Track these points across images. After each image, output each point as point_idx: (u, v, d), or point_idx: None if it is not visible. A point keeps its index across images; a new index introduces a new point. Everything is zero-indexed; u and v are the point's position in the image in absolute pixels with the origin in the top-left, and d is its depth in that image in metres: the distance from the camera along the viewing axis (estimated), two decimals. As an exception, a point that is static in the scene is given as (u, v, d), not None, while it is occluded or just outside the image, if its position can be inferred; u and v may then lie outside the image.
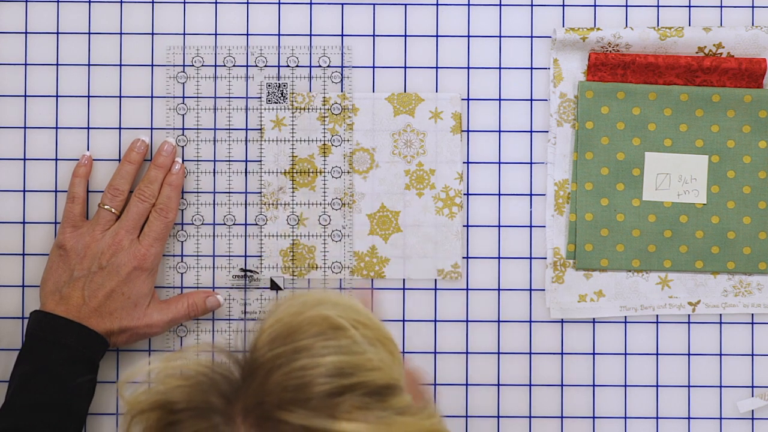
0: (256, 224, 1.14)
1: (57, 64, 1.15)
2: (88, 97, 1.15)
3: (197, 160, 1.14)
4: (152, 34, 1.15)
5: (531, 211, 1.15)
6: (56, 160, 1.14)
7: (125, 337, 1.09)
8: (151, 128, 1.15)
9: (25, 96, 1.15)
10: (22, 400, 1.04)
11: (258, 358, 0.76)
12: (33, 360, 1.05)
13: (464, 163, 1.15)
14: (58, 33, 1.15)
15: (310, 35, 1.15)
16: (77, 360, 1.05)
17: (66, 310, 1.07)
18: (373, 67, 1.15)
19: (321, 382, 0.74)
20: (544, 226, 1.15)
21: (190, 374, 0.76)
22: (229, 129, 1.15)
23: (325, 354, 0.75)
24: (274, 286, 1.14)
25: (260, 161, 1.14)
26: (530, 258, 1.15)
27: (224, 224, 1.14)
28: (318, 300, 0.79)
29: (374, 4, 1.15)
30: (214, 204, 1.15)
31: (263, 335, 0.77)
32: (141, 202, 1.10)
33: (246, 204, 1.14)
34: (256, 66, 1.15)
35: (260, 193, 1.14)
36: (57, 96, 1.15)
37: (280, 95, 1.14)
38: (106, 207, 1.10)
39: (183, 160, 1.14)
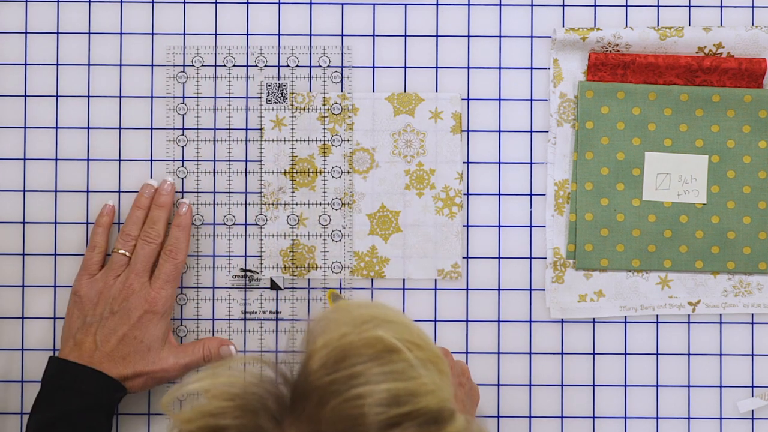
0: (256, 224, 1.14)
1: (57, 65, 1.15)
2: (88, 97, 1.15)
3: (197, 161, 1.14)
4: (152, 34, 1.15)
5: (531, 211, 1.15)
6: (56, 160, 1.14)
7: (141, 381, 1.08)
8: (151, 128, 1.15)
9: (25, 96, 1.15)
10: None
11: (312, 382, 0.74)
12: (51, 408, 1.05)
13: (464, 163, 1.15)
14: (58, 33, 1.15)
15: (310, 35, 1.15)
16: (95, 407, 1.05)
17: (79, 356, 1.06)
18: (373, 67, 1.15)
19: (377, 412, 0.72)
20: (544, 226, 1.15)
21: (237, 392, 0.75)
22: (229, 129, 1.15)
23: (381, 381, 0.73)
24: (274, 286, 1.14)
25: (260, 161, 1.14)
26: (530, 258, 1.15)
27: (224, 224, 1.14)
28: (370, 316, 0.76)
29: (374, 4, 1.15)
30: (214, 204, 1.14)
31: (316, 356, 0.75)
32: (147, 244, 1.10)
33: (246, 204, 1.14)
34: (256, 66, 1.15)
35: (260, 193, 1.14)
36: (57, 96, 1.15)
37: (280, 95, 1.14)
38: (120, 252, 1.10)
39: (183, 161, 1.14)
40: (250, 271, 1.14)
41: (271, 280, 1.14)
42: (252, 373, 0.76)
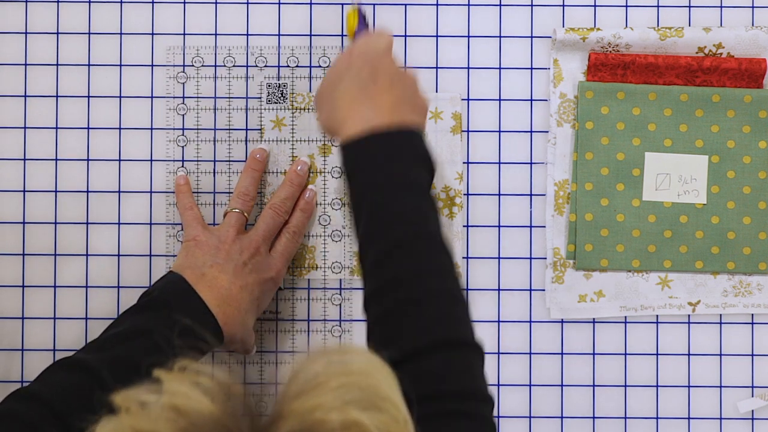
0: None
1: (57, 65, 1.15)
2: (88, 97, 1.15)
3: (197, 161, 1.14)
4: (152, 34, 1.15)
5: (531, 211, 1.15)
6: (56, 160, 1.14)
7: (237, 345, 1.06)
8: (151, 128, 1.15)
9: (25, 96, 1.15)
10: (116, 350, 0.97)
11: None
12: (151, 318, 1.00)
13: (464, 163, 1.15)
14: (58, 33, 1.15)
15: (310, 35, 1.15)
16: (187, 348, 0.97)
17: (207, 289, 1.03)
18: (373, 67, 1.15)
19: None
20: (544, 226, 1.15)
21: (198, 416, 0.68)
22: (229, 129, 1.15)
23: None
24: None
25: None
26: (530, 258, 1.15)
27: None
28: (363, 387, 0.69)
29: (374, 4, 1.15)
30: (214, 204, 1.14)
31: (286, 421, 0.68)
32: (278, 216, 1.10)
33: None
34: (256, 66, 1.15)
35: (260, 193, 1.14)
36: (57, 96, 1.15)
37: (280, 95, 1.14)
38: (236, 210, 1.09)
39: (183, 161, 1.14)
40: None
41: None
42: (222, 406, 0.69)
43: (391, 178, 0.92)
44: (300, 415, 0.68)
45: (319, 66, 1.15)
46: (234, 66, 1.15)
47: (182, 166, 1.14)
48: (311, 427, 0.67)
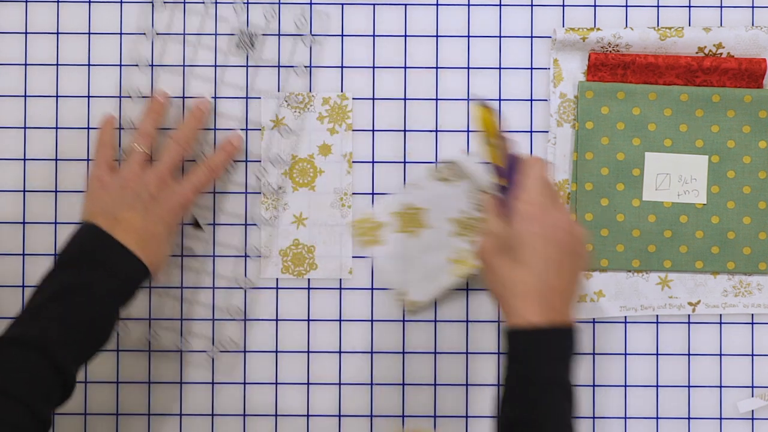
0: (255, 224, 1.14)
1: (57, 65, 1.15)
2: (88, 97, 1.15)
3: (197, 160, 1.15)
4: (152, 32, 1.15)
5: (531, 211, 1.15)
6: (56, 160, 1.14)
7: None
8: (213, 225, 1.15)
9: (25, 96, 1.15)
10: (51, 311, 0.98)
11: None
12: (76, 274, 1.00)
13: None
14: (58, 33, 1.15)
15: (311, 35, 1.15)
16: (120, 288, 1.01)
17: (124, 233, 1.02)
18: (373, 67, 1.15)
19: None
20: (544, 226, 1.15)
21: None
22: (230, 129, 1.15)
23: None
24: (196, 226, 1.13)
25: (260, 161, 1.14)
26: (530, 258, 1.15)
27: (224, 224, 1.14)
28: None
29: (374, 4, 1.15)
30: (214, 204, 1.14)
31: None
32: (178, 146, 1.09)
33: (246, 193, 1.14)
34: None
35: (260, 192, 1.14)
36: (57, 96, 1.15)
37: (249, 44, 1.13)
38: (138, 148, 1.08)
39: (183, 160, 1.14)
40: (198, 224, 1.14)
41: (192, 217, 1.14)
42: None
43: (560, 379, 0.96)
44: None
45: (320, 66, 1.14)
46: (228, 66, 1.15)
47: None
48: None
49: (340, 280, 1.14)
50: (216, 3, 1.15)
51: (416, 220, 1.13)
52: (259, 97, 1.14)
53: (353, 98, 1.14)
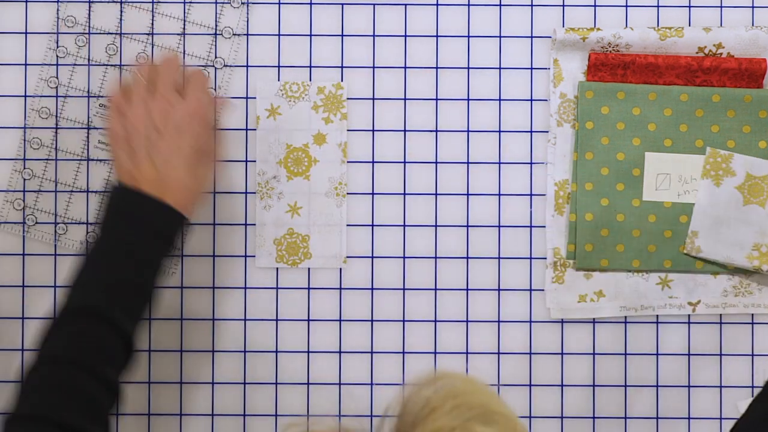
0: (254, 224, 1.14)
1: (57, 65, 1.15)
2: (88, 97, 1.14)
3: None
4: (152, 34, 1.15)
5: (531, 211, 1.15)
6: (56, 160, 1.14)
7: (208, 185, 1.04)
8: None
9: (25, 96, 1.15)
10: (93, 276, 0.96)
11: None
12: (114, 236, 0.97)
13: (465, 162, 1.15)
14: (57, 33, 1.15)
15: (310, 35, 1.15)
16: (156, 238, 0.98)
17: (146, 183, 0.98)
18: (373, 67, 1.15)
19: None
20: (544, 226, 1.15)
21: None
22: (230, 129, 1.15)
23: None
24: None
25: (255, 150, 1.14)
26: (530, 258, 1.15)
27: (221, 224, 1.14)
28: (475, 405, 0.71)
29: (374, 4, 1.15)
30: (214, 195, 1.14)
31: None
32: (168, 61, 1.03)
33: (246, 194, 1.14)
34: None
35: (255, 182, 1.14)
36: (57, 96, 1.15)
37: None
38: (140, 77, 1.02)
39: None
40: None
41: None
42: None
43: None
44: None
45: (319, 66, 1.14)
46: (225, 66, 1.15)
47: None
48: None
49: (340, 278, 1.14)
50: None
51: None
52: (254, 97, 1.15)
53: (353, 97, 1.14)
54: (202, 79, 1.03)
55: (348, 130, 1.15)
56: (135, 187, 0.98)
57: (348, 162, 1.15)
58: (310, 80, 1.15)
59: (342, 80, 1.15)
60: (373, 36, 1.15)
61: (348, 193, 1.14)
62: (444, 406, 0.71)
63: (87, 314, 0.94)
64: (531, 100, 1.15)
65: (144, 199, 0.98)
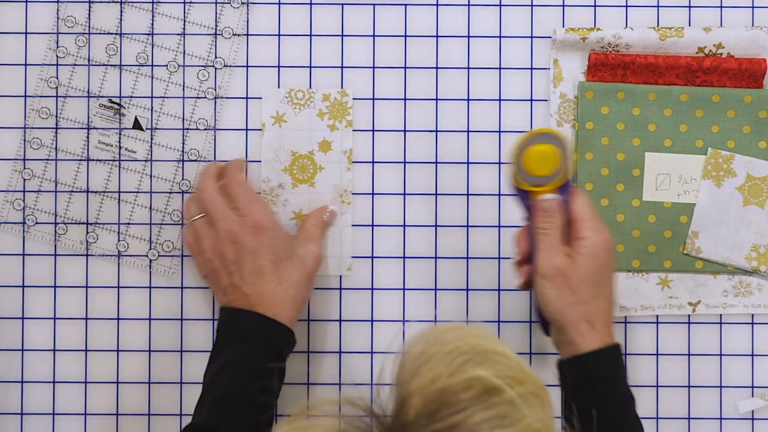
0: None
1: (57, 65, 1.15)
2: (88, 97, 1.15)
3: (198, 160, 1.14)
4: (152, 34, 1.15)
5: (531, 212, 1.15)
6: (56, 160, 1.14)
7: (308, 287, 1.06)
8: (152, 129, 1.15)
9: (25, 96, 1.15)
10: (207, 397, 1.01)
11: None
12: (218, 358, 1.02)
13: (464, 163, 1.15)
14: (57, 33, 1.15)
15: (310, 35, 1.15)
16: (261, 352, 1.01)
17: (229, 301, 1.04)
18: (373, 67, 1.15)
19: None
20: (544, 227, 1.15)
21: None
22: (232, 129, 1.15)
23: (485, 429, 0.69)
24: (137, 125, 1.13)
25: (259, 154, 1.14)
26: (530, 258, 1.15)
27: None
28: (466, 349, 0.72)
29: (374, 4, 1.15)
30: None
31: (410, 403, 0.70)
32: (218, 193, 1.08)
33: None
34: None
35: (260, 190, 1.14)
36: (57, 96, 1.15)
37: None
38: (196, 218, 1.08)
39: (183, 159, 1.14)
40: (117, 104, 1.14)
41: (135, 119, 1.14)
42: (345, 420, 0.72)
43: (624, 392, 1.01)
44: (422, 390, 0.70)
45: (320, 66, 1.14)
46: (225, 66, 1.15)
47: (181, 163, 1.14)
48: (438, 397, 0.70)
49: (340, 277, 1.14)
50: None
51: None
52: (260, 98, 1.14)
53: (354, 98, 1.14)
54: (244, 185, 1.07)
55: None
56: (232, 306, 1.03)
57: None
58: (311, 80, 1.15)
59: (342, 80, 1.15)
60: (373, 36, 1.15)
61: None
62: (437, 355, 0.72)
63: (203, 431, 0.99)
64: (531, 100, 1.15)
65: (234, 314, 1.03)
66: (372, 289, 1.15)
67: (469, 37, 1.15)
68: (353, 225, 1.14)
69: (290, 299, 1.04)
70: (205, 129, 1.14)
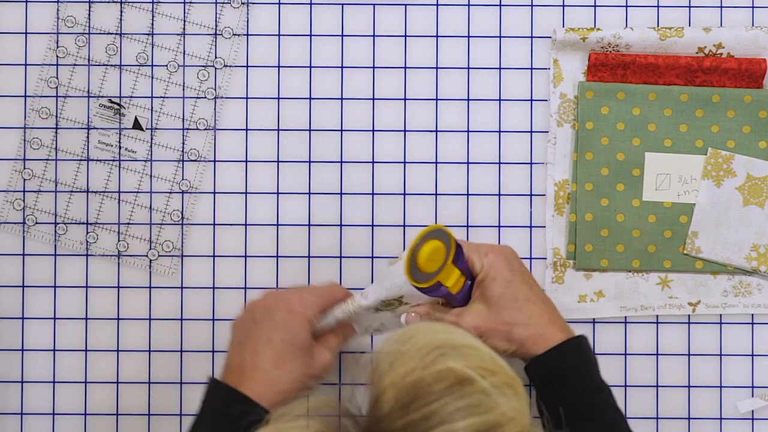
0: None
1: (57, 65, 1.15)
2: (88, 97, 1.15)
3: (198, 160, 1.14)
4: (152, 34, 1.15)
5: (531, 212, 1.15)
6: (56, 160, 1.14)
7: (303, 389, 1.00)
8: (152, 128, 1.15)
9: (25, 96, 1.15)
10: None
11: (384, 428, 0.70)
12: (195, 423, 0.97)
13: (465, 163, 1.15)
14: (57, 33, 1.15)
15: (310, 35, 1.15)
16: (225, 423, 0.95)
17: (228, 375, 0.99)
18: (373, 67, 1.15)
19: None
20: (544, 227, 1.15)
21: None
22: (233, 129, 1.15)
23: (458, 418, 0.69)
24: (137, 125, 1.13)
25: (260, 157, 1.14)
26: (530, 258, 1.15)
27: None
28: (436, 343, 0.72)
29: (374, 4, 1.15)
30: (215, 194, 1.15)
31: (384, 397, 0.71)
32: None
33: (246, 194, 1.14)
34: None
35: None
36: (57, 96, 1.15)
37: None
38: None
39: (183, 159, 1.14)
40: (117, 104, 1.14)
41: (135, 119, 1.14)
42: (319, 420, 0.72)
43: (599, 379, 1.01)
44: (395, 384, 0.71)
45: (320, 66, 1.15)
46: (224, 66, 1.15)
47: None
48: (411, 389, 0.70)
49: (340, 276, 1.14)
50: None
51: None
52: (260, 97, 1.14)
53: (353, 98, 1.14)
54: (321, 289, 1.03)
55: (346, 130, 1.15)
56: (218, 377, 0.98)
57: (347, 162, 1.15)
58: (311, 80, 1.15)
59: (342, 80, 1.15)
60: (373, 36, 1.15)
61: (347, 193, 1.14)
62: (409, 351, 0.72)
63: None
64: (531, 100, 1.15)
65: (219, 387, 0.97)
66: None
67: (469, 37, 1.15)
68: (346, 225, 1.14)
69: (280, 386, 0.98)
70: (205, 129, 1.15)
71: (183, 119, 1.15)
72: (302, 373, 0.98)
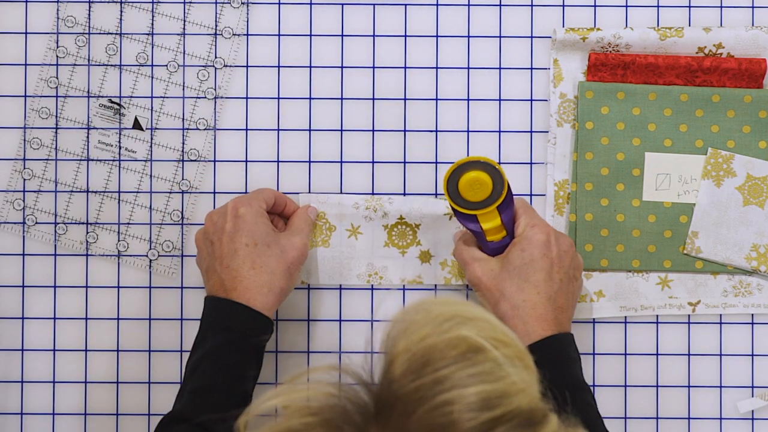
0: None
1: (57, 65, 1.15)
2: (88, 97, 1.15)
3: (198, 160, 1.15)
4: (152, 34, 1.15)
5: (531, 212, 1.15)
6: (56, 160, 1.14)
7: (284, 282, 1.05)
8: (152, 128, 1.15)
9: (25, 96, 1.15)
10: (187, 386, 1.02)
11: (396, 390, 0.70)
12: (199, 347, 1.04)
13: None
14: (57, 33, 1.15)
15: (310, 35, 1.15)
16: (238, 342, 1.02)
17: (214, 285, 1.05)
18: (373, 67, 1.15)
19: (468, 418, 0.69)
20: (544, 227, 1.15)
21: (318, 406, 0.72)
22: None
23: (469, 384, 0.69)
24: (137, 125, 1.13)
25: (259, 158, 1.14)
26: (530, 258, 1.15)
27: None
28: (450, 314, 0.73)
29: (374, 4, 1.15)
30: (215, 194, 1.15)
31: (397, 361, 0.71)
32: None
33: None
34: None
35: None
36: (57, 96, 1.15)
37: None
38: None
39: (183, 159, 1.14)
40: (117, 104, 1.14)
41: (135, 119, 1.14)
42: (330, 383, 0.73)
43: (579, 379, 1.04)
44: (409, 349, 0.71)
45: (320, 66, 1.15)
46: (224, 66, 1.15)
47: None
48: (424, 354, 0.71)
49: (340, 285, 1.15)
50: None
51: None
52: (260, 98, 1.14)
53: (353, 98, 1.15)
54: (263, 193, 1.09)
55: (346, 130, 1.15)
56: (212, 295, 1.05)
57: (347, 162, 1.15)
58: (311, 80, 1.15)
59: (342, 80, 1.15)
60: (373, 36, 1.15)
61: (346, 193, 1.14)
62: (423, 319, 0.73)
63: (180, 420, 1.01)
64: (531, 100, 1.15)
65: (213, 302, 1.04)
66: (372, 289, 1.15)
67: (469, 37, 1.15)
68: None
69: (264, 285, 1.04)
70: (205, 129, 1.15)
71: (183, 119, 1.15)
72: (279, 264, 1.05)
